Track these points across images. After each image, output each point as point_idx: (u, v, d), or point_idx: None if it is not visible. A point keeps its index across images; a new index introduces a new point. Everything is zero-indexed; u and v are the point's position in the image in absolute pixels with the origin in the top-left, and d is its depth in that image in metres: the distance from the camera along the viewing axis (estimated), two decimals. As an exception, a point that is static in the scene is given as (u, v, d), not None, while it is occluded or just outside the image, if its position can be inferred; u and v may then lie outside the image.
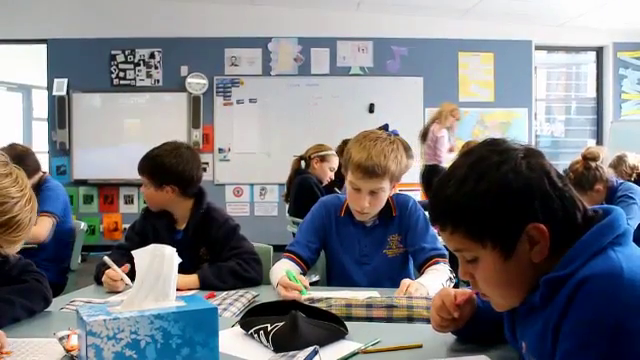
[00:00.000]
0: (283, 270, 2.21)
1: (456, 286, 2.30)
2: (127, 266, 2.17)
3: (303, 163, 5.08)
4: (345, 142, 5.36)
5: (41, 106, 8.71)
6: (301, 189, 4.79)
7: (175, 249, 2.33)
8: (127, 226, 8.01)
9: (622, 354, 1.00)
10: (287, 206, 5.33)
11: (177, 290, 1.92)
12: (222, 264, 2.35)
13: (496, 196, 1.14)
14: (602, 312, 1.02)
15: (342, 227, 2.43)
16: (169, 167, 2.49)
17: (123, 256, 2.28)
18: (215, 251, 2.45)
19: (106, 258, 2.21)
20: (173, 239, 2.46)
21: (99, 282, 2.32)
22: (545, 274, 1.14)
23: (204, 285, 2.27)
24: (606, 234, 1.13)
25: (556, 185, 1.16)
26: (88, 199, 8.38)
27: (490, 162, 1.17)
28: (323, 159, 4.97)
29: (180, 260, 1.44)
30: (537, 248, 1.14)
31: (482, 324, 1.50)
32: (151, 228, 2.52)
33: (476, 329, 1.52)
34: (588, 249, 1.11)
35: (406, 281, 2.05)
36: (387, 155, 2.21)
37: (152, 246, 1.42)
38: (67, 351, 1.45)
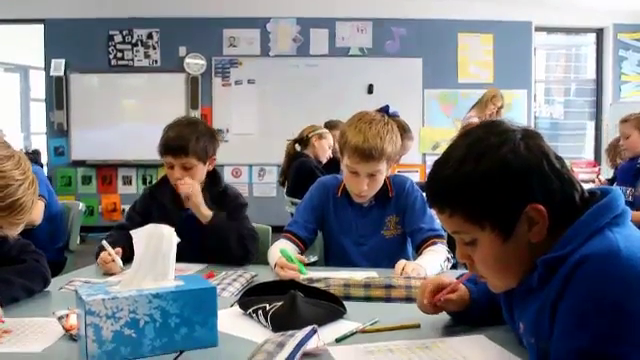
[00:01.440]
0: (274, 251, 2.23)
1: (454, 267, 2.32)
2: (119, 250, 2.18)
3: (298, 146, 5.08)
4: (329, 124, 5.38)
5: (39, 87, 8.67)
6: (301, 171, 4.79)
7: (185, 225, 2.38)
8: (126, 207, 8.06)
9: (618, 333, 1.00)
10: (284, 190, 5.34)
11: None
12: (235, 223, 2.39)
13: (496, 177, 1.14)
14: (599, 292, 1.02)
15: (340, 208, 2.43)
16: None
17: (123, 236, 2.28)
18: None
19: (104, 242, 2.21)
20: (183, 216, 2.45)
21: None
22: (543, 255, 1.14)
23: (213, 223, 2.33)
24: (604, 214, 1.13)
25: (554, 166, 1.16)
26: (86, 180, 8.38)
27: (489, 143, 1.16)
28: (321, 136, 5.01)
29: (179, 240, 1.44)
30: (536, 229, 1.14)
31: (475, 311, 1.52)
32: (157, 206, 2.51)
33: (469, 315, 1.53)
34: (586, 229, 1.11)
35: (402, 262, 2.06)
36: (383, 137, 2.20)
37: (151, 226, 1.42)
38: (66, 330, 1.46)
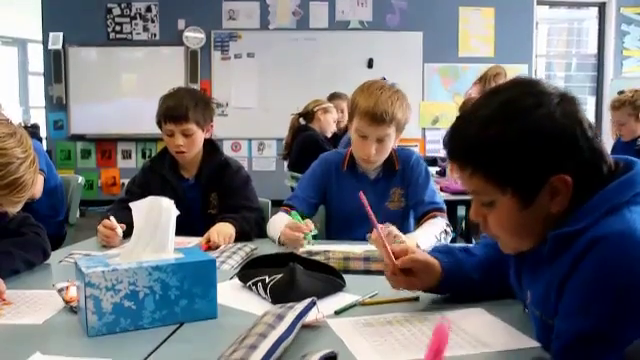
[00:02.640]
0: (282, 222, 2.23)
1: (453, 240, 2.33)
2: (123, 226, 2.17)
3: (302, 120, 5.07)
4: (333, 96, 5.37)
5: (37, 60, 8.62)
6: (307, 144, 4.78)
7: (187, 195, 2.37)
8: (125, 181, 8.04)
9: (626, 317, 0.99)
10: (286, 162, 5.33)
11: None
12: (248, 215, 2.38)
13: (527, 142, 1.07)
14: (610, 274, 1.00)
15: (344, 181, 2.43)
16: (212, 104, 2.54)
17: (123, 209, 2.29)
18: (226, 196, 2.48)
19: (111, 217, 2.20)
20: (184, 186, 2.50)
21: None
22: (559, 225, 1.10)
23: (241, 232, 2.29)
24: (623, 192, 1.08)
25: (587, 136, 1.09)
26: (86, 154, 8.37)
27: (524, 104, 1.09)
28: (326, 110, 5.00)
29: (178, 212, 1.44)
30: (558, 199, 1.10)
31: (447, 281, 1.47)
32: (159, 178, 2.51)
33: (442, 287, 1.49)
34: (603, 205, 1.07)
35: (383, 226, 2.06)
36: (393, 102, 2.22)
37: (150, 198, 1.42)
38: (66, 302, 1.46)
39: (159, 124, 2.47)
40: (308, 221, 2.10)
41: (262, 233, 2.40)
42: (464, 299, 1.48)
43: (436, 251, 1.51)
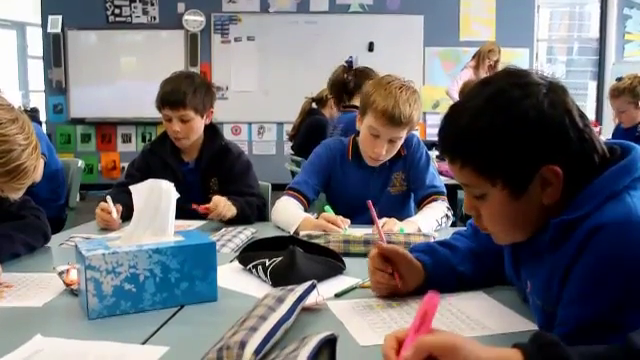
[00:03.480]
0: (289, 208, 2.24)
1: (453, 224, 2.32)
2: (119, 207, 2.18)
3: (314, 104, 5.06)
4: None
5: (36, 44, 8.58)
6: (315, 129, 4.78)
7: (187, 179, 2.37)
8: (125, 165, 8.03)
9: (632, 303, 0.99)
10: (291, 144, 5.34)
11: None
12: (250, 199, 2.38)
13: (513, 134, 1.07)
14: (614, 260, 1.00)
15: (349, 170, 2.42)
16: (212, 90, 2.54)
17: (123, 193, 2.29)
18: (227, 182, 2.48)
19: (108, 197, 2.21)
20: (184, 170, 2.51)
21: None
22: (554, 215, 1.10)
23: (242, 214, 2.29)
24: (623, 177, 1.07)
25: (577, 126, 1.08)
26: (86, 138, 8.36)
27: (510, 96, 1.09)
28: None
29: (178, 195, 1.44)
30: (549, 190, 1.09)
31: (432, 283, 1.38)
32: (159, 162, 2.51)
33: (428, 288, 1.45)
34: (602, 192, 1.06)
35: (381, 221, 2.05)
36: (411, 105, 2.18)
37: (150, 181, 1.41)
38: (67, 285, 1.46)
39: (158, 109, 2.47)
40: (343, 218, 2.06)
41: (262, 218, 2.41)
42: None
43: (417, 251, 1.47)
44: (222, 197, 2.25)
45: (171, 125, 2.43)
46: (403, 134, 2.27)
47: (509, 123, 1.07)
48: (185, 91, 2.39)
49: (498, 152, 1.09)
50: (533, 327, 1.22)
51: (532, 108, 1.07)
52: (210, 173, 2.50)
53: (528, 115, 1.06)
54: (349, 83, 3.55)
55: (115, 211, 2.17)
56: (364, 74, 3.48)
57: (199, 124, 2.47)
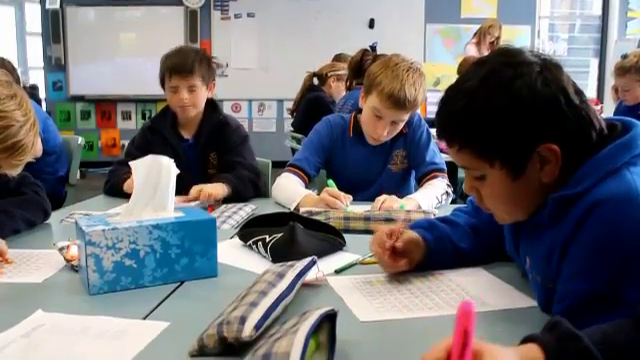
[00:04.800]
0: (290, 184, 2.24)
1: (453, 201, 2.32)
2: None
3: (316, 80, 5.03)
4: (338, 58, 5.32)
5: (34, 20, 8.52)
6: (315, 106, 4.75)
7: (186, 155, 2.35)
8: (125, 142, 8.01)
9: (630, 278, 0.99)
10: (292, 120, 5.32)
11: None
12: (241, 173, 2.37)
13: (508, 114, 1.06)
14: (613, 235, 1.00)
15: (350, 147, 2.41)
16: (212, 65, 2.53)
17: (125, 171, 2.29)
18: (223, 153, 2.48)
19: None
20: (184, 146, 2.50)
21: (111, 192, 2.39)
22: (554, 192, 1.10)
23: (234, 192, 2.28)
24: (622, 153, 1.07)
25: (572, 103, 1.08)
26: (85, 115, 8.34)
27: (503, 76, 1.08)
28: (339, 78, 4.93)
29: (178, 171, 1.44)
30: (548, 168, 1.09)
31: (433, 258, 1.43)
32: (159, 138, 2.50)
33: (429, 263, 1.44)
34: (602, 167, 1.06)
35: (381, 198, 2.05)
36: (417, 88, 2.16)
37: (150, 157, 1.41)
38: (67, 261, 1.46)
39: (162, 81, 2.46)
40: (346, 195, 2.06)
41: (257, 193, 2.39)
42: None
43: (418, 227, 1.47)
44: (208, 186, 2.22)
45: (178, 95, 2.42)
46: (406, 117, 2.26)
47: (503, 104, 1.07)
48: (193, 60, 2.41)
49: (494, 133, 1.08)
50: (532, 303, 1.23)
51: (525, 87, 1.06)
52: (209, 148, 2.49)
53: (521, 95, 1.06)
54: (365, 64, 3.52)
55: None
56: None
57: (204, 95, 2.48)
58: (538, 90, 1.06)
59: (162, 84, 2.48)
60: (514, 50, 1.15)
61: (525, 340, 0.85)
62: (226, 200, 2.25)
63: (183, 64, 2.41)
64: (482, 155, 1.12)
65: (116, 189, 2.33)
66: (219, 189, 2.23)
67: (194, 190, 2.17)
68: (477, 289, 1.32)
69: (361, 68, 3.55)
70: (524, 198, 1.15)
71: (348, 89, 3.93)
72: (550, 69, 1.10)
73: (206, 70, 2.46)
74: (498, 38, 6.21)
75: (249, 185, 2.36)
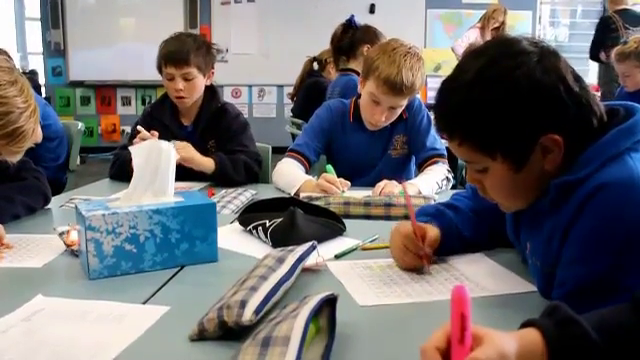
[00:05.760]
0: (290, 170, 2.24)
1: (454, 187, 2.32)
2: (155, 133, 2.17)
3: (316, 65, 5.00)
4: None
5: (33, 5, 8.48)
6: (314, 92, 4.74)
7: (187, 141, 2.34)
8: (125, 128, 8.00)
9: (631, 263, 0.99)
10: (292, 106, 5.31)
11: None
12: (236, 157, 2.36)
13: (507, 106, 1.05)
14: (614, 220, 1.00)
15: (350, 132, 2.41)
16: (213, 51, 2.51)
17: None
18: (223, 141, 2.46)
19: (139, 127, 2.23)
20: (184, 134, 2.49)
21: (119, 172, 2.38)
22: (559, 174, 1.09)
23: (220, 169, 2.29)
24: (624, 139, 1.06)
25: (572, 91, 1.06)
26: (85, 101, 8.32)
27: (501, 66, 1.07)
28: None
29: (178, 156, 1.44)
30: (550, 157, 1.08)
31: (445, 246, 1.41)
32: (159, 124, 2.48)
33: (441, 253, 1.42)
34: (603, 153, 1.05)
35: (381, 183, 2.05)
36: (415, 73, 2.14)
37: (149, 141, 1.41)
38: (67, 246, 1.47)
39: (159, 68, 2.45)
40: (343, 180, 2.06)
41: (252, 178, 2.38)
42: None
43: (427, 215, 1.45)
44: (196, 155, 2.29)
45: (174, 84, 2.40)
46: (404, 102, 2.25)
47: (502, 96, 1.06)
48: (188, 49, 2.38)
49: (494, 126, 1.07)
50: (531, 289, 1.23)
51: (524, 78, 1.05)
52: (208, 135, 2.48)
53: (520, 86, 1.05)
54: (344, 43, 3.47)
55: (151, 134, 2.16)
56: (362, 34, 3.38)
57: (201, 83, 2.46)
58: (537, 80, 1.05)
59: (159, 71, 2.46)
60: (511, 39, 1.13)
61: (524, 325, 0.85)
62: (212, 180, 2.29)
63: (179, 52, 2.38)
64: (483, 149, 1.10)
65: (125, 168, 2.28)
66: (203, 162, 2.28)
67: (179, 144, 2.18)
68: (476, 274, 1.32)
69: (341, 48, 3.50)
70: (527, 188, 1.15)
71: (337, 69, 3.81)
72: (548, 57, 1.09)
73: (203, 58, 2.42)
74: (503, 23, 6.17)
75: (241, 169, 2.34)
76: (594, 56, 6.28)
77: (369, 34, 3.31)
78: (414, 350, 0.80)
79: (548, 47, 1.11)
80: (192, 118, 2.53)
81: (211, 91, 2.54)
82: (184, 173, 2.16)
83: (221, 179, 2.29)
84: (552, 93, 1.05)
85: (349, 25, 3.46)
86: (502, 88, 1.06)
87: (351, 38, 3.40)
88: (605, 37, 6.05)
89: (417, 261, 1.34)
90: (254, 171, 2.40)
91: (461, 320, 0.75)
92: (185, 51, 2.37)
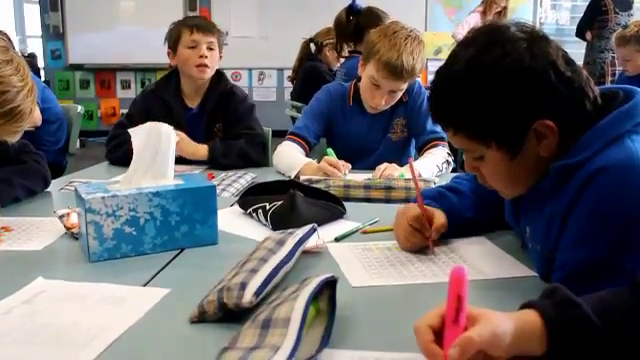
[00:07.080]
0: (290, 152, 2.24)
1: (454, 170, 2.32)
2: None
3: (313, 47, 4.98)
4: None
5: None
6: (311, 75, 4.72)
7: (190, 125, 2.39)
8: (125, 111, 7.97)
9: (631, 246, 0.99)
10: (291, 90, 5.30)
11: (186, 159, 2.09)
12: (232, 142, 2.37)
13: (498, 95, 1.05)
14: (614, 203, 1.00)
15: (350, 115, 2.40)
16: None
17: (126, 133, 2.27)
18: (230, 125, 2.46)
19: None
20: (187, 116, 2.48)
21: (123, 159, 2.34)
22: (558, 158, 1.09)
23: (212, 158, 2.31)
24: (624, 121, 1.06)
25: (563, 75, 1.06)
26: (84, 84, 8.30)
27: (490, 56, 1.07)
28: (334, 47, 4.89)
29: (178, 139, 1.43)
30: (545, 143, 1.08)
31: (449, 230, 1.40)
32: (161, 103, 2.48)
33: (444, 235, 1.41)
34: (603, 136, 1.05)
35: (381, 166, 2.05)
36: (415, 57, 2.14)
37: (149, 123, 1.40)
38: (67, 229, 1.47)
39: (176, 40, 2.43)
40: (345, 163, 2.06)
41: (248, 163, 2.36)
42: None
43: (427, 198, 1.44)
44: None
45: (197, 51, 2.40)
46: (404, 86, 2.25)
47: (492, 85, 1.06)
48: (212, 21, 2.48)
49: (486, 116, 1.08)
50: (529, 273, 1.23)
51: (513, 65, 1.05)
52: (215, 118, 2.47)
53: (510, 74, 1.05)
54: (349, 27, 3.45)
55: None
56: (365, 19, 3.37)
57: (218, 58, 2.48)
58: (527, 67, 1.05)
59: (174, 45, 2.44)
60: (500, 26, 1.13)
61: (523, 307, 0.85)
62: (204, 163, 2.33)
63: (206, 23, 2.45)
64: (477, 137, 1.11)
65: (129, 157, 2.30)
66: (198, 150, 2.31)
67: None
68: (475, 257, 1.32)
69: (345, 31, 3.49)
70: (525, 174, 1.16)
71: (339, 54, 3.81)
72: (538, 43, 1.08)
73: (219, 35, 2.48)
74: (505, 8, 6.12)
75: (232, 154, 2.33)
76: (580, 34, 6.43)
77: (373, 17, 3.29)
78: (412, 331, 0.80)
79: (538, 32, 1.11)
80: (197, 100, 2.51)
81: (218, 74, 2.53)
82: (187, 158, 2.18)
83: (213, 165, 2.30)
84: (542, 79, 1.05)
85: (351, 9, 3.44)
86: (492, 77, 1.06)
87: (355, 24, 3.38)
88: (594, 18, 6.23)
89: (423, 242, 1.35)
90: (250, 156, 2.38)
91: (457, 301, 0.75)
92: (210, 22, 2.46)
